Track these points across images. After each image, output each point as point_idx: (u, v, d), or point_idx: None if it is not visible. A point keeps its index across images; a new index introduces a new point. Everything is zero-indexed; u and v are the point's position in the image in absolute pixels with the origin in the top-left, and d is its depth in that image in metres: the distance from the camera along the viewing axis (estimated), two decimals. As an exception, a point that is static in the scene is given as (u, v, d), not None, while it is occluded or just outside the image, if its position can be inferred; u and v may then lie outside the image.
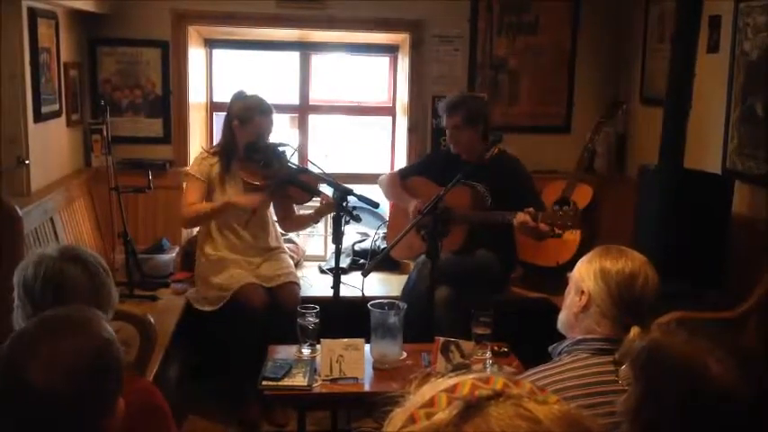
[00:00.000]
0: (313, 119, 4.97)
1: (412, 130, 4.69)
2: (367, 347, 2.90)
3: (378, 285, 4.24)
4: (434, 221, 3.22)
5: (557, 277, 3.41)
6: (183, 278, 4.04)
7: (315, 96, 4.94)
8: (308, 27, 4.62)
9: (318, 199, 3.82)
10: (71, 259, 1.78)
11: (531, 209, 3.34)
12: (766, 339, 3.00)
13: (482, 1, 4.62)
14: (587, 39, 4.73)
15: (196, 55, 4.63)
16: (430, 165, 4.06)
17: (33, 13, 3.53)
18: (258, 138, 3.71)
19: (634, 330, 1.71)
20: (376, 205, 3.72)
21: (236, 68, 5.21)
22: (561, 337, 2.01)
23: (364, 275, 3.36)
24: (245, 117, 3.72)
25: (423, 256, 3.59)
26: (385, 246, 4.29)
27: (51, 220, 3.57)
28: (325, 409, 3.43)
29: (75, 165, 4.29)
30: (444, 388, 0.74)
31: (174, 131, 4.54)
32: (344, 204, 3.29)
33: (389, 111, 4.98)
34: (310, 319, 2.98)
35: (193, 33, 4.56)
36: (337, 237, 3.29)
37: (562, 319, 2.02)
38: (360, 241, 4.72)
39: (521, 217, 3.36)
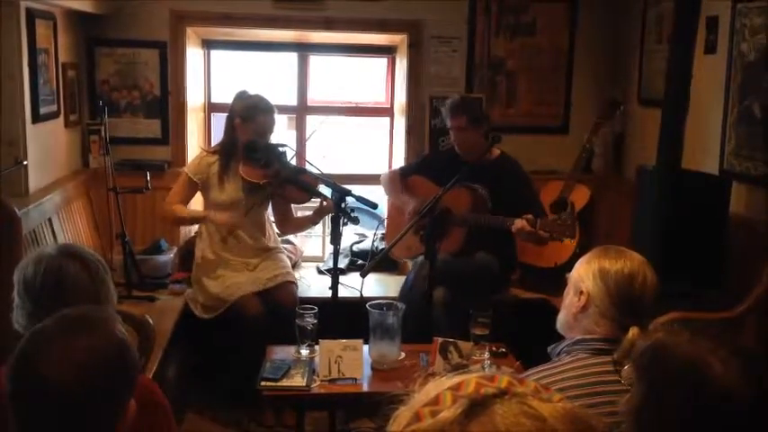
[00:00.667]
0: (311, 120, 4.97)
1: (410, 130, 4.70)
2: (365, 348, 2.91)
3: (376, 286, 4.24)
4: (432, 223, 3.22)
5: (555, 278, 3.42)
6: (181, 279, 4.04)
7: (313, 97, 4.94)
8: (306, 28, 4.62)
9: (317, 200, 3.81)
10: (70, 256, 1.78)
11: (529, 215, 3.34)
12: (765, 339, 3.00)
13: (480, 2, 4.63)
14: (585, 40, 4.73)
15: (194, 56, 4.63)
16: (430, 164, 4.06)
17: (31, 14, 3.53)
18: (259, 137, 3.72)
19: (633, 331, 1.71)
20: (374, 206, 3.72)
21: (234, 69, 5.21)
22: (560, 338, 2.01)
23: (363, 276, 3.36)
24: (248, 116, 3.73)
25: (421, 257, 3.59)
26: (383, 246, 4.29)
27: (50, 220, 3.57)
28: (323, 409, 3.43)
29: (73, 165, 4.29)
30: (449, 386, 0.74)
31: (172, 132, 4.54)
32: (343, 205, 3.29)
33: (387, 111, 4.98)
34: (309, 319, 2.98)
35: (191, 34, 4.56)
36: (335, 237, 3.30)
37: (561, 319, 2.02)
38: (358, 242, 4.72)
39: (519, 224, 3.36)
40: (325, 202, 3.71)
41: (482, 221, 3.64)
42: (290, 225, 4.07)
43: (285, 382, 2.77)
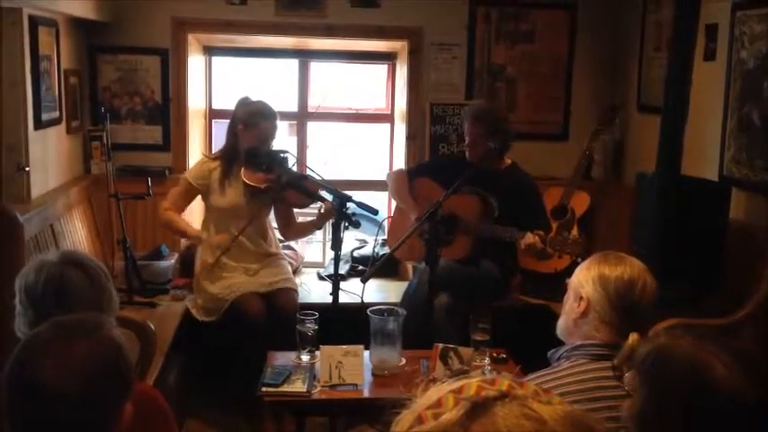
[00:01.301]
0: (311, 126, 4.99)
1: (410, 137, 4.71)
2: (366, 354, 2.91)
3: (377, 292, 4.25)
4: (435, 228, 3.23)
5: (555, 284, 3.44)
6: (182, 284, 4.05)
7: (313, 104, 4.96)
8: (307, 35, 4.64)
9: (319, 205, 3.82)
10: (72, 264, 1.79)
11: (540, 232, 3.33)
12: (763, 346, 3.01)
13: (480, 9, 4.65)
14: (584, 47, 4.76)
15: (195, 62, 4.65)
16: (437, 167, 4.06)
17: (34, 21, 3.55)
18: (260, 143, 3.73)
19: (632, 336, 1.72)
20: (375, 212, 3.73)
21: (236, 76, 5.23)
22: (560, 343, 2.02)
23: (363, 282, 3.37)
24: (250, 122, 3.74)
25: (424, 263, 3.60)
26: (384, 252, 4.30)
27: (51, 226, 3.58)
28: (323, 415, 3.43)
29: (74, 172, 4.30)
30: (451, 389, 0.76)
31: (174, 139, 4.56)
32: (344, 210, 3.30)
33: (388, 118, 5.00)
34: (309, 325, 2.99)
35: (193, 41, 4.58)
36: (336, 243, 3.30)
37: (561, 325, 2.03)
38: (358, 248, 4.73)
39: (530, 239, 3.33)
40: (327, 205, 3.71)
41: (491, 233, 3.62)
42: (292, 230, 4.07)
43: (286, 388, 2.78)
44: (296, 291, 3.87)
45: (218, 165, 3.80)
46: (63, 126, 4.07)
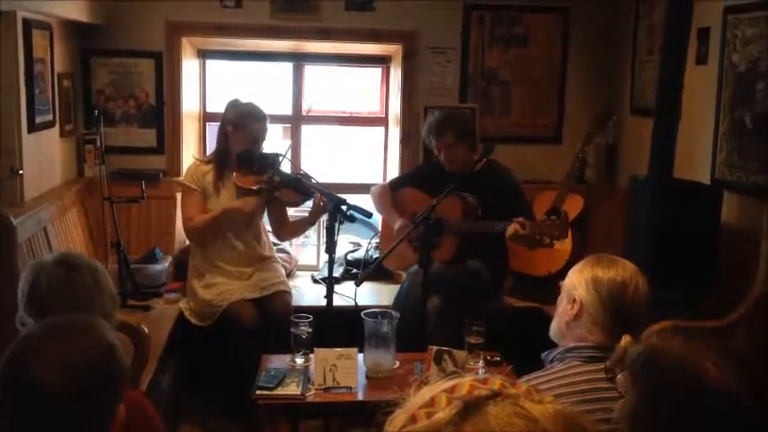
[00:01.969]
0: (306, 129, 4.99)
1: (404, 140, 4.72)
2: (360, 357, 2.91)
3: (371, 295, 4.25)
4: (426, 231, 3.24)
5: (549, 286, 3.43)
6: (176, 288, 4.04)
7: (307, 106, 4.95)
8: (302, 38, 4.65)
9: (311, 205, 3.82)
10: (69, 267, 1.79)
11: (520, 219, 3.36)
12: (757, 348, 3.02)
13: (474, 13, 4.67)
14: (577, 50, 4.78)
15: (190, 65, 4.65)
16: (421, 175, 4.08)
17: (28, 25, 3.54)
18: (250, 145, 3.73)
19: (625, 338, 1.73)
20: (369, 215, 3.73)
21: (230, 79, 5.23)
22: (553, 346, 2.03)
23: (357, 285, 3.37)
24: (240, 123, 3.74)
25: (415, 266, 3.61)
26: (377, 255, 4.30)
27: (45, 230, 3.57)
28: (318, 417, 3.43)
29: (68, 175, 4.30)
30: (444, 388, 0.76)
31: (168, 142, 4.56)
32: (338, 211, 3.29)
33: (382, 121, 5.00)
34: (303, 328, 2.99)
35: (187, 44, 4.58)
36: (330, 246, 3.30)
37: (554, 327, 2.04)
38: (352, 251, 4.73)
39: (512, 229, 3.38)
40: (318, 200, 3.67)
41: (474, 228, 3.66)
42: (286, 230, 4.05)
43: (280, 391, 2.78)
44: (290, 294, 3.87)
45: (211, 168, 3.80)
46: (57, 129, 4.06)
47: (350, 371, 2.82)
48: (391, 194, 4.05)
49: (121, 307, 3.69)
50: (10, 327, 1.77)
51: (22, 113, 3.51)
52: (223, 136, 3.82)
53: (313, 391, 2.79)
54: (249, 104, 3.81)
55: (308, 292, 4.29)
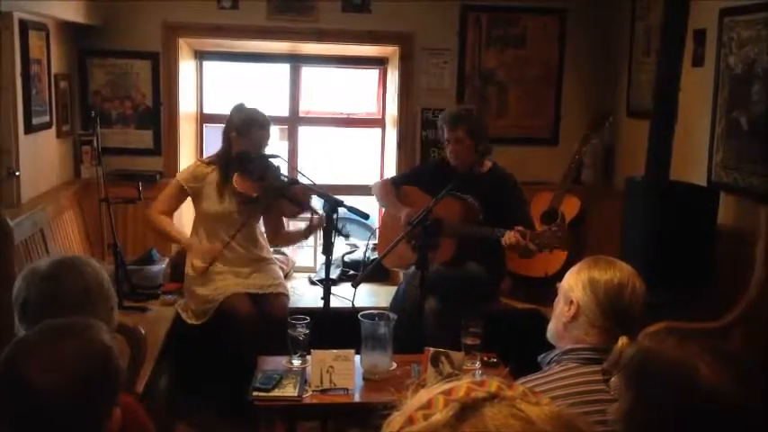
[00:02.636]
0: (303, 130, 4.99)
1: (401, 141, 4.72)
2: (357, 358, 2.91)
3: (368, 296, 4.25)
4: (425, 232, 3.24)
5: (546, 288, 3.44)
6: (173, 289, 4.04)
7: (305, 108, 4.96)
8: (299, 40, 4.65)
9: (309, 216, 3.84)
10: (59, 279, 1.76)
11: (521, 228, 3.36)
12: (752, 349, 3.03)
13: (471, 14, 4.67)
14: (574, 52, 4.78)
15: (186, 67, 4.64)
16: (421, 174, 4.09)
17: (25, 25, 3.54)
18: (253, 150, 3.75)
19: (622, 340, 1.73)
20: (366, 216, 3.74)
21: (227, 80, 5.23)
22: (550, 348, 2.03)
23: (354, 286, 3.37)
24: (243, 129, 3.76)
25: (412, 268, 3.61)
26: (374, 257, 4.30)
27: (41, 231, 3.57)
28: (315, 419, 3.43)
29: (65, 176, 4.29)
30: (441, 391, 0.77)
31: (164, 143, 4.55)
32: (335, 217, 3.30)
33: (379, 123, 5.01)
34: (301, 329, 2.99)
35: (184, 45, 4.57)
36: (327, 248, 3.31)
37: (551, 329, 2.04)
38: (349, 252, 4.73)
39: (511, 237, 3.37)
40: (316, 216, 3.74)
41: (473, 232, 3.66)
42: (280, 239, 4.09)
43: (277, 393, 2.77)
44: (287, 295, 3.88)
45: (213, 170, 3.81)
46: (53, 130, 4.06)
47: (347, 372, 2.81)
48: (394, 190, 4.05)
49: (118, 308, 3.69)
50: (7, 329, 1.77)
51: (19, 114, 3.51)
52: (227, 140, 3.83)
53: (310, 393, 2.79)
54: (253, 111, 3.82)
55: (305, 294, 4.29)
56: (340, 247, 4.67)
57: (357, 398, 2.81)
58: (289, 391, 2.78)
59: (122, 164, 4.45)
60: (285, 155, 3.86)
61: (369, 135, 5.25)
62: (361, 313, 3.00)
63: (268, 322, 3.62)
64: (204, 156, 4.43)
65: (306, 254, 4.87)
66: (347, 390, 2.80)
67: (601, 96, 4.80)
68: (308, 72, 4.97)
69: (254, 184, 3.72)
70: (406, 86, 4.69)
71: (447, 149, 3.85)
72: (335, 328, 3.11)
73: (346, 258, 4.66)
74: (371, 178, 4.92)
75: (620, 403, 1.35)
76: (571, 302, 1.94)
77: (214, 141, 4.11)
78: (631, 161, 4.30)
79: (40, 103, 3.81)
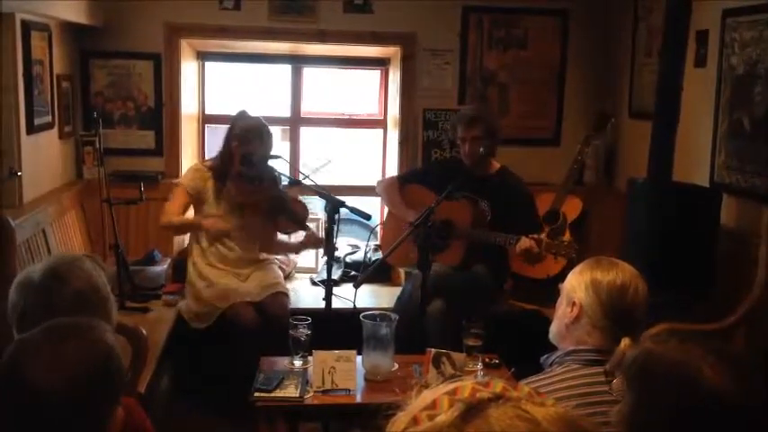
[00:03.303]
0: (304, 131, 4.99)
1: (403, 142, 4.72)
2: (359, 359, 2.91)
3: (369, 297, 4.25)
4: (427, 234, 3.23)
5: (548, 289, 3.44)
6: (175, 290, 4.03)
7: (306, 109, 4.96)
8: (300, 40, 4.65)
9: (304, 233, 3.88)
10: (51, 290, 1.74)
11: (535, 236, 3.35)
12: (754, 350, 3.03)
13: (472, 15, 4.67)
14: (576, 53, 4.78)
15: (188, 67, 4.65)
16: (429, 173, 4.07)
17: (27, 26, 3.54)
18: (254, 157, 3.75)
19: (624, 341, 1.73)
20: (368, 217, 3.74)
21: (229, 81, 5.23)
22: (553, 349, 2.02)
23: (356, 287, 3.37)
24: (245, 140, 3.75)
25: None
26: (376, 257, 4.30)
27: (43, 231, 3.57)
28: (316, 420, 3.42)
29: (66, 176, 4.30)
30: (446, 391, 0.76)
31: (166, 144, 4.56)
32: (336, 218, 3.29)
33: (380, 123, 5.01)
34: (302, 330, 2.98)
35: (186, 46, 4.58)
36: (329, 249, 3.30)
37: (553, 330, 2.03)
38: (351, 253, 4.73)
39: (525, 243, 3.36)
40: (311, 234, 3.81)
41: (487, 239, 3.63)
42: (271, 248, 4.04)
43: (278, 393, 2.77)
44: (287, 295, 3.88)
45: (212, 175, 3.81)
46: (55, 131, 4.06)
47: (348, 373, 2.81)
48: (400, 188, 4.03)
49: (119, 309, 3.69)
50: (8, 329, 1.76)
51: (21, 115, 3.51)
52: (228, 147, 3.82)
53: (311, 394, 2.79)
54: (256, 120, 3.80)
55: (306, 295, 4.29)
56: (342, 247, 4.67)
57: (359, 399, 2.81)
58: (290, 391, 2.78)
59: (124, 164, 4.45)
60: (287, 156, 3.86)
61: (370, 136, 5.24)
62: (362, 314, 3.00)
63: (269, 322, 3.62)
64: (206, 157, 4.42)
65: (307, 254, 4.86)
66: (349, 390, 2.80)
67: (603, 97, 4.80)
68: (309, 73, 4.97)
69: (253, 193, 3.74)
70: (408, 87, 4.69)
71: (463, 148, 3.82)
72: (337, 328, 3.11)
73: (348, 259, 4.66)
74: (373, 179, 4.91)
75: (623, 405, 1.35)
76: (573, 303, 1.94)
77: (216, 142, 4.10)
78: (633, 162, 4.29)
79: (42, 103, 3.81)
